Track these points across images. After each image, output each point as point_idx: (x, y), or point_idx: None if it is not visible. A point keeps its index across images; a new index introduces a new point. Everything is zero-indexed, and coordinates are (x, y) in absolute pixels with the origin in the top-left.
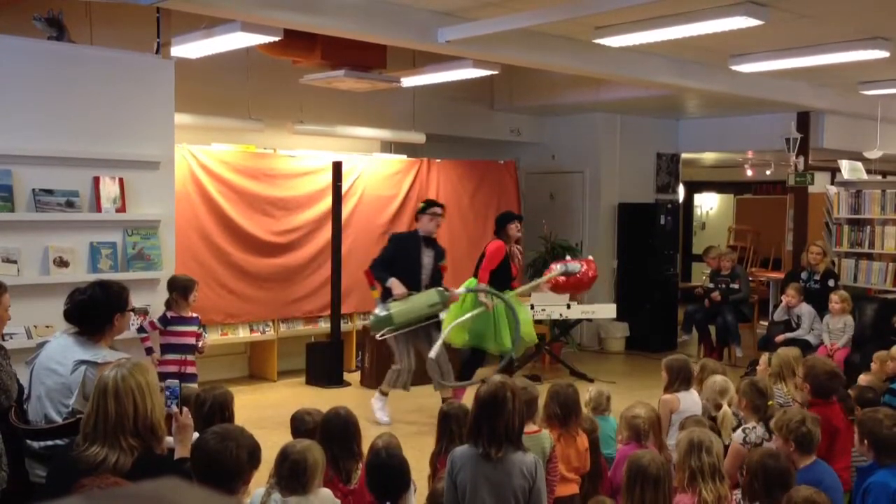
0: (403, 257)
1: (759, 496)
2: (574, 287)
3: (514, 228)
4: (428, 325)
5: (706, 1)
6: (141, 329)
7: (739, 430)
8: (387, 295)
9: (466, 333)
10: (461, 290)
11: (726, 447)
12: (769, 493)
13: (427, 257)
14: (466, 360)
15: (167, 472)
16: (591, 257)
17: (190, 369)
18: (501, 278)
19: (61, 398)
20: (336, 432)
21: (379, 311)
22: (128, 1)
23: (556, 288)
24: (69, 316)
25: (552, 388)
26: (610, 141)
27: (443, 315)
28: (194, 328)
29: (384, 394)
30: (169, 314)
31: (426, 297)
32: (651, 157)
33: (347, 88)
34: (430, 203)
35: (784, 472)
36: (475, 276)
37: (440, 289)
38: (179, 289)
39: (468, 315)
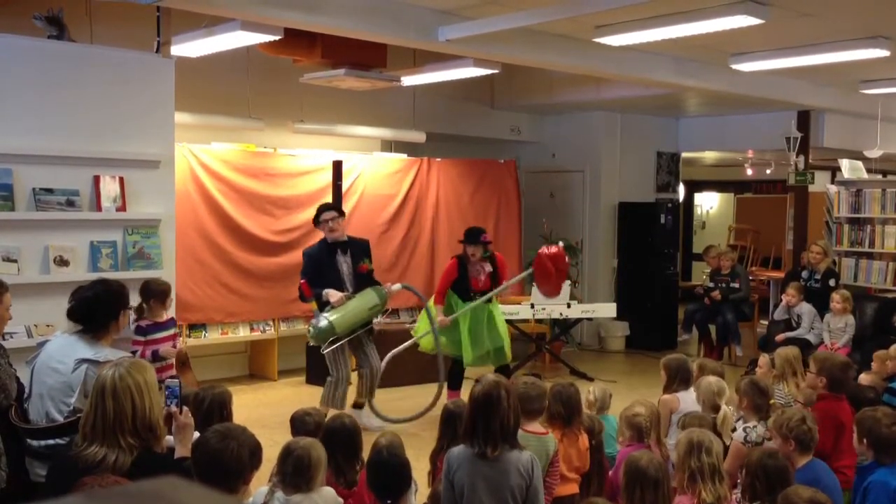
0: (319, 271)
1: (760, 496)
2: (546, 276)
3: (469, 249)
4: (361, 335)
5: (706, 0)
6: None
7: (740, 430)
8: (324, 305)
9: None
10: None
11: (726, 448)
12: (770, 492)
13: (344, 263)
14: (451, 368)
15: (167, 471)
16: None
17: (168, 373)
18: (461, 292)
19: (63, 397)
20: (339, 440)
21: (317, 321)
22: None
23: (546, 287)
24: (74, 314)
25: (554, 388)
26: (610, 140)
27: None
28: (172, 331)
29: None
30: (144, 323)
31: (364, 300)
32: (651, 156)
33: (348, 87)
34: (320, 209)
35: (783, 471)
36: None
37: (377, 287)
38: (158, 295)
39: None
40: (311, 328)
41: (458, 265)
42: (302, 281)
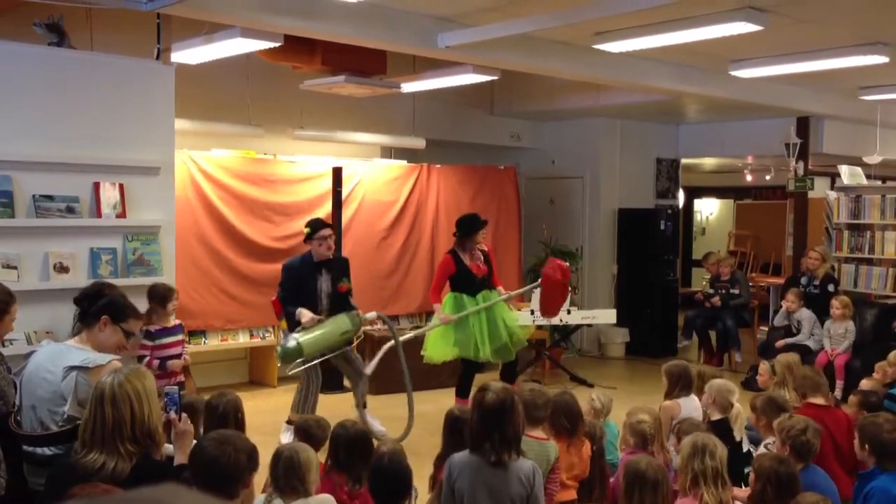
0: (298, 286)
1: (769, 501)
2: (551, 292)
3: (480, 235)
4: (346, 351)
5: (706, 6)
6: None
7: (762, 447)
8: (295, 325)
9: (450, 347)
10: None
11: (737, 445)
12: (779, 497)
13: (324, 283)
14: (462, 374)
15: (166, 478)
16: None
17: (175, 379)
18: (464, 285)
19: (55, 406)
20: (346, 445)
21: (286, 342)
22: (128, 6)
23: (546, 305)
24: (79, 298)
25: (557, 403)
26: (610, 146)
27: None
28: (179, 336)
29: (291, 423)
30: (153, 328)
31: (336, 325)
32: (651, 162)
33: (347, 94)
34: (316, 225)
35: (794, 478)
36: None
37: (352, 313)
38: (157, 298)
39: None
40: (279, 348)
41: (453, 259)
42: (273, 299)
